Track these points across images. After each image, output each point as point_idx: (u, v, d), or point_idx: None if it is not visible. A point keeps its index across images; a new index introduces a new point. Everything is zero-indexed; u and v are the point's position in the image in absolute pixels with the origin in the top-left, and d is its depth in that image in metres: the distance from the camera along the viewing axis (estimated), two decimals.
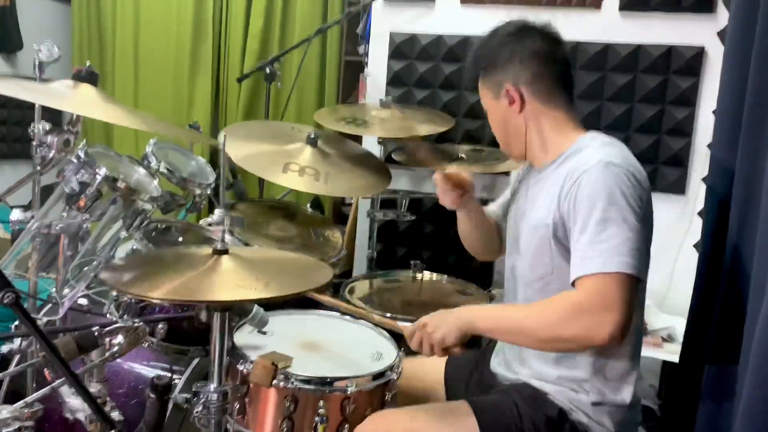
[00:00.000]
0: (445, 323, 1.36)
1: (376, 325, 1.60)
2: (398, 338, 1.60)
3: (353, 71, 3.67)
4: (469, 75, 1.58)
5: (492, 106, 1.51)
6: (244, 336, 1.54)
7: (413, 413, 1.38)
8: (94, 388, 1.36)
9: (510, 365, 1.50)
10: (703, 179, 2.35)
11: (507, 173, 2.68)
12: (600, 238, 1.25)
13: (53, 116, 1.44)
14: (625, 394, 1.37)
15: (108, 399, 1.35)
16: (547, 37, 1.47)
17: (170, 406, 1.48)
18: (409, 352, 1.52)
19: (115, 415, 1.29)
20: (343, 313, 1.68)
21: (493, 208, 1.75)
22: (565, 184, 1.33)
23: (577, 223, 1.29)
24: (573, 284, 1.28)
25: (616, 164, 1.30)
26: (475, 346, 1.91)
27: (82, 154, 1.33)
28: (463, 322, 1.35)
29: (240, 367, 1.41)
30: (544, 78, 1.44)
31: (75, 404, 1.34)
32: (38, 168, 1.43)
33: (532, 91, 1.44)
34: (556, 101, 1.45)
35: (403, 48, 2.74)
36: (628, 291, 1.23)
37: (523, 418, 1.35)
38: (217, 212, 1.41)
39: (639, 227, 1.26)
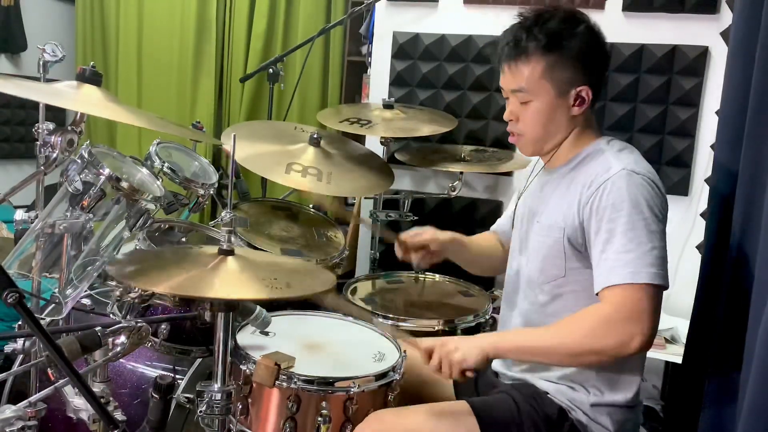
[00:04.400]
0: (467, 344, 1.32)
1: (392, 337, 1.56)
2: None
3: (356, 71, 3.68)
4: (523, 47, 1.37)
5: (547, 98, 1.38)
6: (246, 336, 1.54)
7: (412, 413, 1.38)
8: (97, 387, 1.36)
9: (511, 365, 1.50)
10: (707, 180, 2.34)
11: (510, 173, 2.68)
12: (627, 248, 1.25)
13: (57, 116, 1.44)
14: (626, 395, 1.37)
15: (111, 399, 1.35)
16: (602, 37, 1.43)
17: (173, 405, 1.49)
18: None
19: (118, 414, 1.29)
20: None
21: (501, 222, 1.75)
22: (586, 191, 1.33)
23: (601, 231, 1.28)
24: (597, 294, 1.28)
25: (638, 173, 1.30)
26: None
27: (85, 154, 1.33)
28: (487, 344, 1.32)
29: (243, 368, 1.41)
30: (602, 80, 1.43)
31: (78, 404, 1.34)
32: (42, 168, 1.44)
33: (593, 97, 1.41)
34: (595, 102, 1.44)
35: (406, 48, 2.74)
36: (656, 301, 1.24)
37: (522, 416, 1.35)
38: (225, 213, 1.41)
39: (661, 235, 1.28)
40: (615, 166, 1.31)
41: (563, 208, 1.37)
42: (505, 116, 1.47)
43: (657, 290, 1.24)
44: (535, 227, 1.45)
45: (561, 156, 1.45)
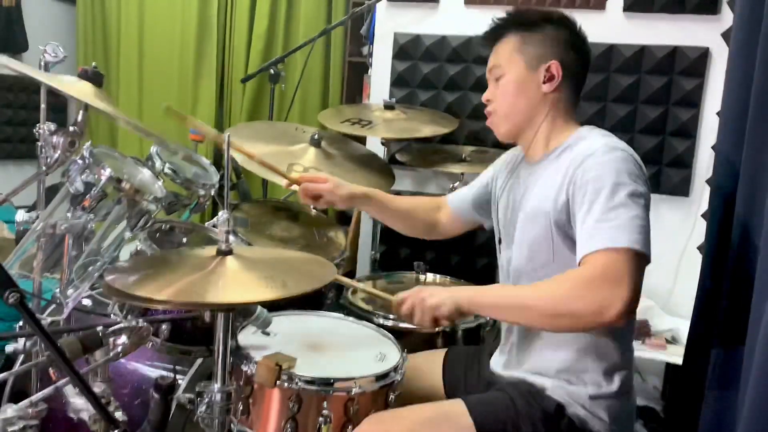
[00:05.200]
0: (443, 293, 1.35)
1: (370, 295, 1.56)
2: (400, 340, 1.60)
3: (357, 72, 3.68)
4: (499, 28, 1.49)
5: (517, 71, 1.45)
6: (247, 336, 1.54)
7: (408, 414, 1.38)
8: (98, 387, 1.36)
9: (509, 363, 1.50)
10: (708, 181, 2.35)
11: None
12: (608, 216, 1.25)
13: (58, 117, 1.45)
14: (620, 382, 1.37)
15: (112, 399, 1.35)
16: (586, 41, 1.49)
17: (174, 406, 1.49)
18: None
19: (119, 414, 1.29)
20: (347, 313, 1.68)
21: (459, 196, 1.78)
22: (571, 170, 1.34)
23: (584, 204, 1.29)
24: (579, 264, 1.27)
25: (621, 148, 1.33)
26: (475, 342, 1.92)
27: (87, 155, 1.33)
28: (463, 295, 1.34)
29: (244, 368, 1.41)
30: (579, 70, 1.46)
31: (79, 404, 1.34)
32: (43, 168, 1.44)
33: (568, 76, 1.44)
34: (574, 95, 1.47)
35: (407, 49, 2.74)
36: (637, 268, 1.22)
37: (519, 413, 1.35)
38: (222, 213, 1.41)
39: (645, 208, 1.27)
40: (596, 143, 1.34)
41: (549, 192, 1.37)
42: (483, 97, 1.53)
43: (638, 257, 1.23)
44: (520, 218, 1.45)
45: (540, 147, 1.46)
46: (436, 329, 1.35)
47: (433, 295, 1.35)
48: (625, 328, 1.36)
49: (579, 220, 1.30)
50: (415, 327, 1.82)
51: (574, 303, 1.23)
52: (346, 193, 1.74)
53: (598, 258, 1.24)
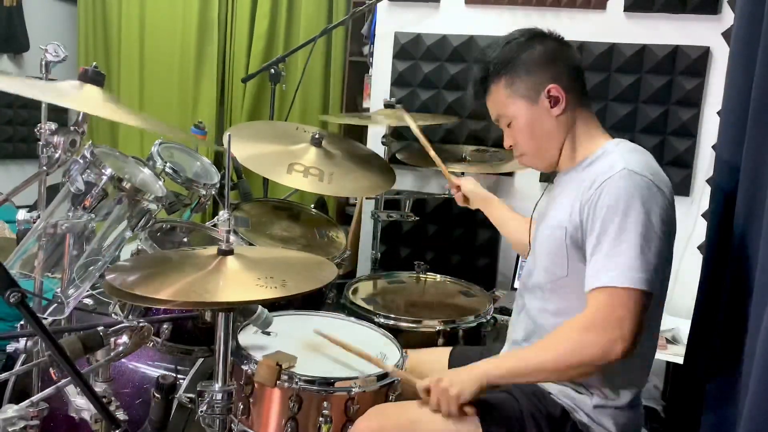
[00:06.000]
0: (460, 378, 1.32)
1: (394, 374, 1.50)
2: (401, 340, 1.61)
3: (358, 72, 3.68)
4: (482, 83, 1.48)
5: (523, 111, 1.43)
6: (248, 336, 1.54)
7: (413, 406, 1.38)
8: (99, 387, 1.36)
9: None
10: (708, 180, 2.34)
11: (511, 174, 2.68)
12: (615, 251, 1.24)
13: (59, 117, 1.45)
14: (629, 397, 1.37)
15: (113, 398, 1.35)
16: (565, 42, 1.47)
17: (175, 405, 1.49)
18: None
19: (120, 414, 1.29)
20: (348, 313, 1.67)
21: None
22: (587, 190, 1.32)
23: (595, 231, 1.28)
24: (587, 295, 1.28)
25: (638, 173, 1.29)
26: (476, 340, 1.92)
27: (87, 154, 1.33)
28: (480, 374, 1.32)
29: (244, 367, 1.42)
30: (578, 79, 1.44)
31: (80, 403, 1.34)
32: (44, 168, 1.44)
33: (572, 91, 1.41)
34: (587, 103, 1.45)
35: (407, 48, 2.74)
36: (640, 306, 1.22)
37: (524, 412, 1.35)
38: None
39: (657, 239, 1.25)
40: (617, 165, 1.31)
41: (567, 207, 1.37)
42: (505, 145, 1.51)
43: (642, 295, 1.23)
44: (542, 228, 1.46)
45: (567, 159, 1.45)
46: (465, 415, 1.34)
47: (453, 383, 1.31)
48: (639, 352, 1.37)
49: (589, 249, 1.29)
50: (414, 327, 1.84)
51: (581, 353, 1.24)
52: (482, 196, 1.91)
53: (599, 297, 1.25)
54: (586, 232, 1.31)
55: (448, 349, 1.68)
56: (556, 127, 1.42)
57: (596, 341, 1.23)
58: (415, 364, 1.56)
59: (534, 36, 1.45)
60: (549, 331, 1.36)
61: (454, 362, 1.62)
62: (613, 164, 1.32)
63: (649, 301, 1.24)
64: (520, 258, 2.57)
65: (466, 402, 1.31)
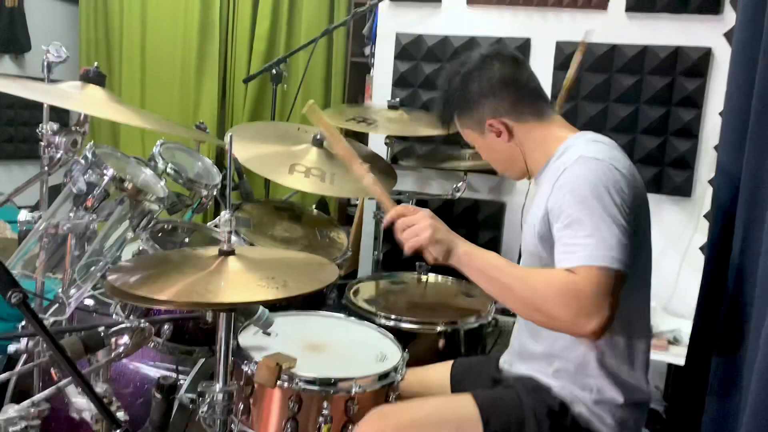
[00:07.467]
0: (441, 226, 1.34)
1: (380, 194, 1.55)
2: (402, 341, 1.61)
3: (359, 72, 3.68)
4: (445, 119, 1.56)
5: (480, 141, 1.51)
6: (249, 337, 1.54)
7: (416, 406, 1.39)
8: (100, 387, 1.37)
9: (514, 363, 1.51)
10: (710, 181, 2.34)
11: None
12: (579, 234, 1.23)
13: (61, 117, 1.45)
14: (630, 394, 1.37)
15: (114, 399, 1.36)
16: (507, 60, 1.48)
17: (176, 406, 1.49)
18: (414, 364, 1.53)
19: (121, 414, 1.29)
20: (349, 314, 1.66)
21: None
22: (551, 184, 1.34)
23: (560, 218, 1.28)
24: None
25: (597, 159, 1.30)
26: (476, 342, 1.92)
27: (89, 155, 1.33)
28: (458, 241, 1.33)
29: (245, 368, 1.41)
30: (521, 100, 1.45)
31: (81, 404, 1.34)
32: (46, 168, 1.44)
33: (515, 116, 1.44)
34: (539, 114, 1.46)
35: (409, 49, 2.74)
36: (618, 287, 1.21)
37: (524, 407, 1.36)
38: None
39: (622, 220, 1.24)
40: (573, 156, 1.33)
41: (537, 206, 1.40)
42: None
43: (618, 275, 1.20)
44: (524, 229, 1.48)
45: (536, 164, 1.47)
46: (409, 254, 1.33)
47: (438, 230, 1.32)
48: (636, 346, 1.37)
49: (556, 233, 1.29)
50: (416, 328, 1.84)
51: (555, 307, 1.22)
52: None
53: (590, 273, 1.21)
54: (552, 223, 1.32)
55: (449, 363, 1.67)
56: (510, 149, 1.47)
57: (575, 309, 1.19)
58: (417, 379, 1.56)
59: (478, 65, 1.47)
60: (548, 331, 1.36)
61: (456, 374, 1.62)
62: (572, 154, 1.35)
63: (621, 279, 1.22)
64: (520, 259, 2.56)
65: (427, 251, 1.32)
